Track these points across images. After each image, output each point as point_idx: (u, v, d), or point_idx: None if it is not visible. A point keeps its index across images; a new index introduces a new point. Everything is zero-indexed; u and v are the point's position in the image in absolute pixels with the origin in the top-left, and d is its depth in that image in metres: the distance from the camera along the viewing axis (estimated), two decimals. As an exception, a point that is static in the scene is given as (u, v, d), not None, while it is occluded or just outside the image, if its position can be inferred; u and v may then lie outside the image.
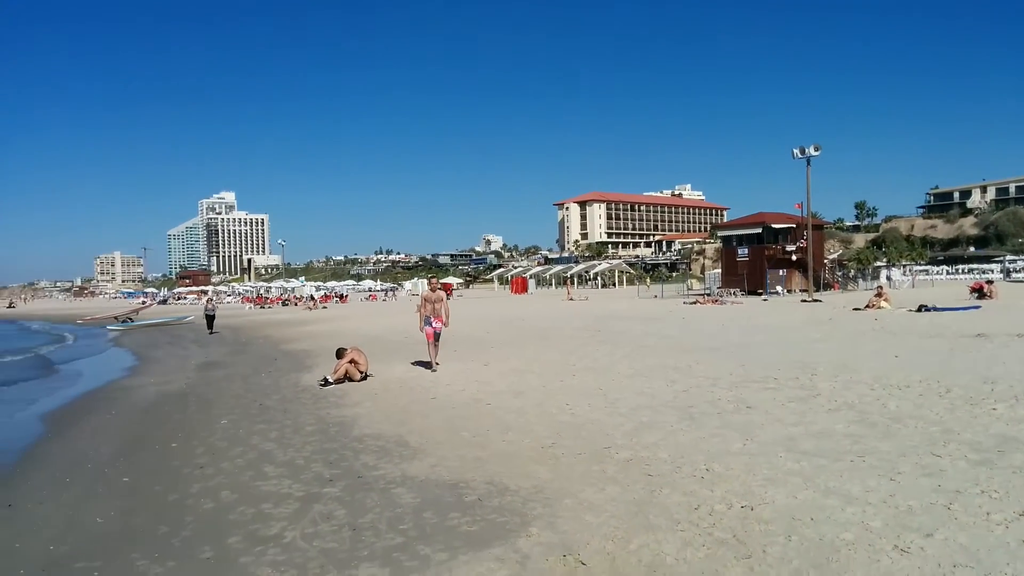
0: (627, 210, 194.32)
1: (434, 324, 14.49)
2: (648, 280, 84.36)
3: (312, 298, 69.38)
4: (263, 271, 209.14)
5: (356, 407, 11.40)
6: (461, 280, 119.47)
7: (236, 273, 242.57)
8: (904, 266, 65.71)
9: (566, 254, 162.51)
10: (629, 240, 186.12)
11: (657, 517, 5.62)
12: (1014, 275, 60.46)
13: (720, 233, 65.82)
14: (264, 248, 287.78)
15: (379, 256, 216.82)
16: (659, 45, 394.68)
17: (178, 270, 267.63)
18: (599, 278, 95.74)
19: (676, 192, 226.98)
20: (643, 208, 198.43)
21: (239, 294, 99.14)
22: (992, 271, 63.00)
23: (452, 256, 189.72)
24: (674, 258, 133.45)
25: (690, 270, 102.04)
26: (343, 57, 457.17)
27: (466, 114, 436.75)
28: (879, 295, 29.37)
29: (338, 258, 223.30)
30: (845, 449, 7.24)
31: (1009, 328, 17.94)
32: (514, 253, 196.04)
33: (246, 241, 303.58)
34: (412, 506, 6.33)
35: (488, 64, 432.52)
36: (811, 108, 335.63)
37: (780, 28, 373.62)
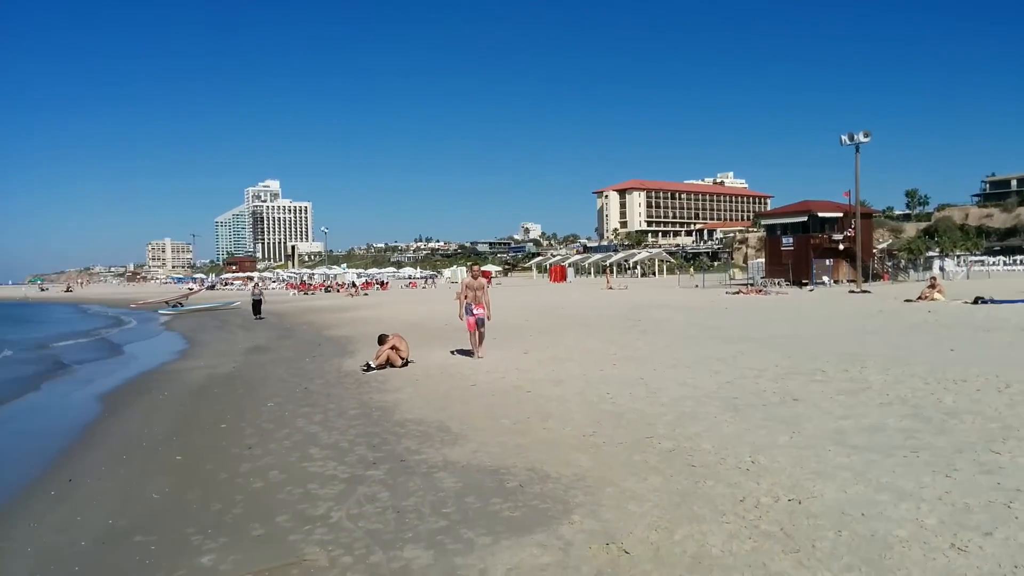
0: (667, 198, 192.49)
1: (476, 312, 14.36)
2: (692, 269, 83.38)
3: (354, 285, 70.16)
4: (306, 258, 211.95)
5: (398, 392, 11.52)
6: (499, 268, 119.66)
7: (280, 260, 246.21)
8: (958, 256, 64.06)
9: (605, 243, 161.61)
10: (669, 228, 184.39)
11: (701, 508, 5.59)
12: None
13: (764, 222, 64.85)
14: (307, 235, 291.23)
15: (419, 244, 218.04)
16: (700, 30, 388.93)
17: (225, 256, 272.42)
18: (639, 267, 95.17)
19: (718, 180, 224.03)
20: (684, 196, 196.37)
21: (283, 280, 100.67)
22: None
23: (491, 244, 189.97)
24: (715, 247, 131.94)
25: (732, 259, 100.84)
26: (384, 42, 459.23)
27: (506, 102, 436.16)
28: (932, 286, 28.65)
29: (379, 245, 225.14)
30: (898, 444, 7.10)
31: (1066, 323, 17.41)
32: (553, 241, 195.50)
33: (290, 228, 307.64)
34: (454, 490, 6.40)
35: (528, 51, 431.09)
36: (859, 92, 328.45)
37: (826, 10, 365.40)
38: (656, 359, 13.52)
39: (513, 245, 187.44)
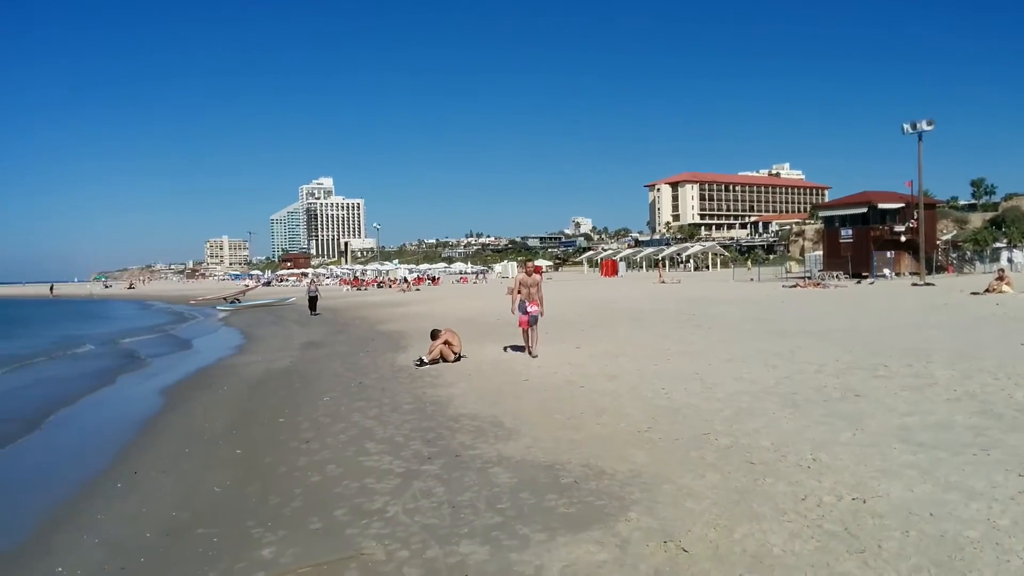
0: (721, 191, 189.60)
1: (530, 309, 14.04)
2: (750, 262, 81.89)
3: (406, 280, 70.83)
4: (359, 254, 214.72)
5: (451, 387, 11.56)
6: (550, 263, 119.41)
7: (334, 256, 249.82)
8: (1028, 248, 61.59)
9: (657, 236, 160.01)
10: (723, 221, 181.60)
11: (761, 506, 5.47)
12: None
13: (822, 213, 63.32)
14: (360, 232, 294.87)
15: (470, 239, 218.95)
16: (754, 21, 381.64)
17: (280, 253, 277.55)
18: (692, 261, 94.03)
19: (773, 171, 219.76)
20: (738, 188, 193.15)
21: (337, 276, 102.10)
22: None
23: (541, 239, 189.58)
24: (771, 240, 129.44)
25: (788, 252, 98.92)
26: (434, 39, 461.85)
27: (557, 96, 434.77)
28: (1000, 278, 27.60)
29: (430, 241, 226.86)
30: (967, 442, 6.85)
31: None
32: (604, 236, 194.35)
33: (343, 225, 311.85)
34: (509, 486, 6.38)
35: (579, 45, 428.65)
36: (922, 79, 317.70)
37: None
38: (711, 354, 13.31)
39: (564, 240, 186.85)
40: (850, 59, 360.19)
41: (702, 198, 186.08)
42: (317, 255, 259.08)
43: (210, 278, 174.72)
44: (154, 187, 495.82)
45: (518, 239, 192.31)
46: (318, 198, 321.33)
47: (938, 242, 53.16)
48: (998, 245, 60.35)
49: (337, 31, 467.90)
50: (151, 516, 6.39)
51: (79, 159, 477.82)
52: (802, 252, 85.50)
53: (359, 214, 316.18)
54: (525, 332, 14.29)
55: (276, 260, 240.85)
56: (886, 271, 44.54)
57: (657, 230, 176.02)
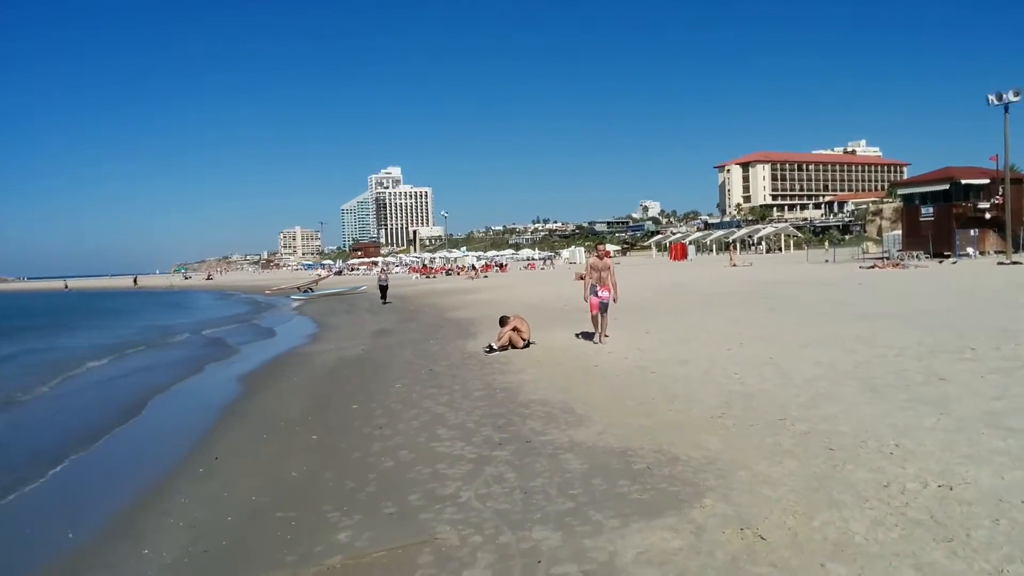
0: (794, 170, 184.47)
1: (600, 294, 13.83)
2: (827, 243, 79.48)
3: (473, 267, 71.31)
4: (427, 242, 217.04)
5: (521, 373, 11.59)
6: (618, 247, 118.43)
7: (403, 244, 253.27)
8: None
9: (727, 218, 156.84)
10: (796, 202, 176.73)
11: (842, 493, 5.31)
12: None
13: (900, 191, 60.99)
14: (428, 220, 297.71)
15: (536, 225, 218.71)
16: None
17: (351, 242, 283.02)
18: (764, 243, 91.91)
19: (848, 149, 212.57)
20: (811, 167, 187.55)
21: (406, 265, 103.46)
22: None
23: (608, 223, 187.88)
24: (847, 220, 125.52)
25: (865, 232, 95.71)
26: (501, 25, 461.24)
27: (623, 79, 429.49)
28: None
29: (497, 228, 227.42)
30: (1060, 427, 6.52)
31: None
32: (672, 219, 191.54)
33: (411, 213, 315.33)
34: (581, 472, 6.36)
35: (646, 28, 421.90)
36: (1008, 48, 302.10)
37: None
38: (786, 338, 12.99)
39: (631, 224, 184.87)
40: (930, 28, 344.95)
41: (774, 178, 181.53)
42: (386, 244, 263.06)
43: (284, 268, 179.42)
44: (230, 179, 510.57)
45: (585, 224, 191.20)
46: (387, 187, 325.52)
47: (1026, 218, 50.60)
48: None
49: (405, 20, 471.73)
50: (232, 500, 6.60)
51: (160, 153, 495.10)
52: (879, 232, 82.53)
53: (427, 202, 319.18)
54: (594, 317, 14.08)
55: (347, 249, 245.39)
56: (969, 250, 42.73)
57: (727, 212, 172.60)
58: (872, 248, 63.65)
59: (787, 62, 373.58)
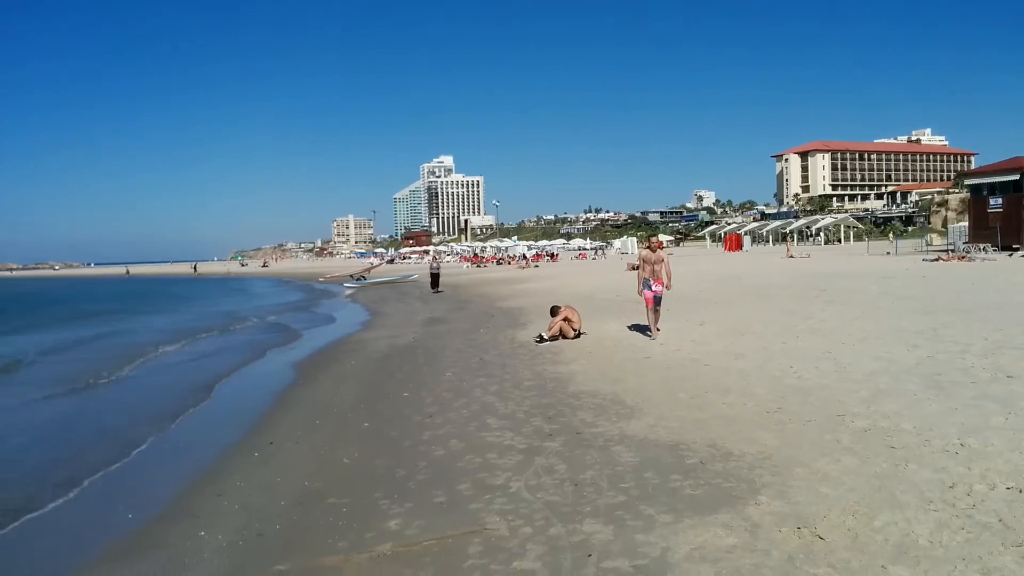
0: (854, 159, 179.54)
1: (654, 287, 13.46)
2: (891, 234, 77.18)
3: (524, 257, 71.24)
4: (478, 231, 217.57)
5: (571, 364, 11.52)
6: (671, 238, 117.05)
7: (454, 233, 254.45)
8: None
9: (785, 209, 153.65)
10: (856, 192, 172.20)
11: (904, 494, 5.14)
12: None
13: (967, 181, 58.95)
14: (479, 209, 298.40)
15: (588, 214, 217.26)
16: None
17: (402, 231, 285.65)
18: (822, 234, 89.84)
19: (913, 138, 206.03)
20: (873, 157, 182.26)
21: (457, 253, 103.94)
22: None
23: (662, 213, 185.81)
24: (910, 211, 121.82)
25: (929, 223, 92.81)
26: (551, 14, 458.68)
27: (676, 65, 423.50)
28: None
29: (548, 217, 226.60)
30: None
31: None
32: (727, 209, 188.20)
33: (463, 202, 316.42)
34: (632, 465, 6.28)
35: (702, 13, 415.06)
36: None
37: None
38: (845, 331, 12.65)
39: (685, 214, 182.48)
40: (999, 14, 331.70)
41: (833, 168, 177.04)
42: (438, 232, 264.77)
43: (337, 256, 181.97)
44: (286, 168, 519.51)
45: (638, 214, 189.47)
46: (439, 176, 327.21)
47: (1103, 210, 48.37)
48: None
49: (457, 8, 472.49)
50: (285, 485, 6.70)
51: (218, 140, 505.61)
52: (944, 223, 79.93)
53: (479, 191, 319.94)
54: (649, 310, 13.75)
55: (399, 238, 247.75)
56: (1040, 242, 41.03)
57: (785, 202, 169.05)
58: (936, 240, 61.65)
59: (847, 50, 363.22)
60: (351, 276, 55.53)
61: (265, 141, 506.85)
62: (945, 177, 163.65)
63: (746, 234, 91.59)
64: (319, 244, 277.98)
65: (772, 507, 5.12)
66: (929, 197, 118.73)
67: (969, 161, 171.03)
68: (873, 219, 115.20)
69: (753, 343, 12.05)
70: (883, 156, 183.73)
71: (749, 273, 32.85)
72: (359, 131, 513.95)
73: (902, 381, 8.57)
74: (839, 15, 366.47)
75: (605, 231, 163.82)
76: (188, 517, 6.11)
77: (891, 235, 74.64)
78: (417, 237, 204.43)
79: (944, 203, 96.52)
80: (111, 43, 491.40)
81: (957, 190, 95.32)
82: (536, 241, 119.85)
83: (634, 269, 14.39)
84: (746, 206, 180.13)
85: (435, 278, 34.32)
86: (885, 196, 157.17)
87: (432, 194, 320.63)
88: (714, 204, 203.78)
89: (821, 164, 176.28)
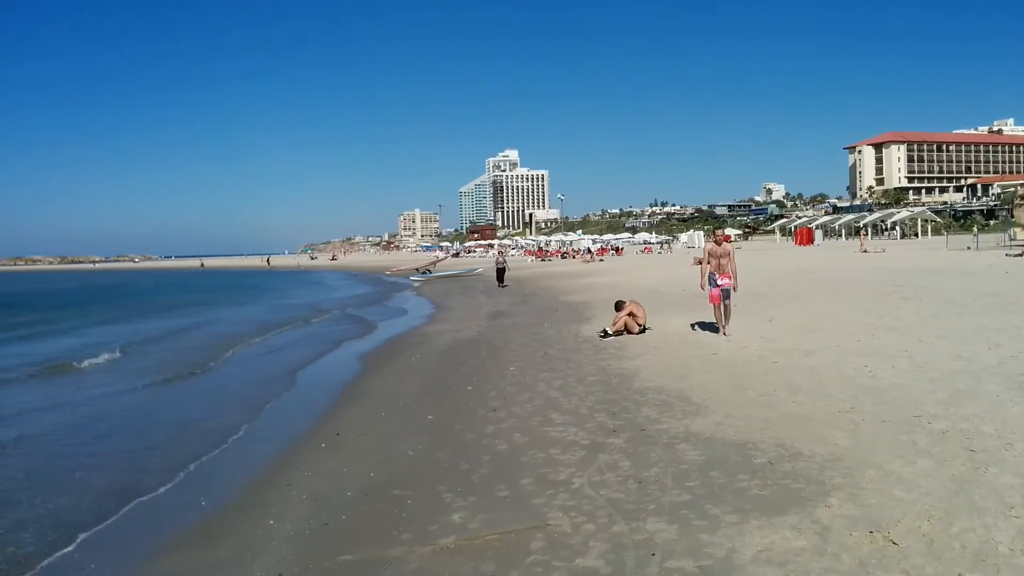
0: (932, 151, 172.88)
1: (720, 282, 13.08)
2: (975, 227, 74.09)
3: (589, 251, 70.92)
4: (543, 225, 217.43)
5: (636, 359, 11.42)
6: (739, 231, 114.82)
7: (518, 227, 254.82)
8: None
9: (858, 202, 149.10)
10: (934, 185, 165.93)
11: (984, 499, 4.93)
12: None
13: (1054, 173, 56.25)
14: (544, 203, 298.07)
15: (654, 208, 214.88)
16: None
17: (468, 225, 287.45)
18: (898, 228, 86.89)
19: (995, 128, 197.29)
20: (951, 148, 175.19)
21: (521, 247, 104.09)
22: None
23: (729, 207, 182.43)
24: (991, 204, 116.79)
25: (1012, 217, 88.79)
26: (614, 5, 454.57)
27: (745, 55, 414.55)
28: None
29: (613, 211, 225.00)
30: None
31: None
32: (798, 202, 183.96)
33: (528, 196, 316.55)
34: (697, 463, 6.19)
35: (769, 3, 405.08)
36: None
37: None
38: (922, 329, 12.20)
39: (754, 207, 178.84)
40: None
41: (910, 159, 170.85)
42: (502, 226, 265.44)
43: (403, 250, 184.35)
44: (354, 162, 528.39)
45: (704, 207, 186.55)
46: (504, 170, 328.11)
47: None
48: None
49: (524, 2, 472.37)
50: (351, 476, 6.81)
51: (288, 132, 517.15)
52: (1030, 216, 76.37)
53: (543, 185, 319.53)
54: (716, 307, 13.39)
55: (464, 232, 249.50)
56: None
57: (858, 195, 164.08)
58: (1020, 235, 58.97)
59: (923, 38, 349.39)
60: (417, 270, 56.17)
61: (334, 134, 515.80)
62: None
63: (817, 228, 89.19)
64: (386, 238, 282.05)
65: (843, 510, 4.97)
66: (1012, 190, 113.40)
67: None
68: (952, 212, 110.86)
69: (825, 340, 11.73)
70: (962, 147, 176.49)
71: (821, 268, 31.99)
72: (426, 125, 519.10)
73: (983, 381, 8.22)
74: (910, 2, 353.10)
75: (671, 225, 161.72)
76: (259, 506, 6.27)
77: (974, 229, 71.64)
78: (482, 231, 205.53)
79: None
80: (191, 31, 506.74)
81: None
82: (601, 235, 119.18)
83: (700, 263, 14.03)
84: (817, 199, 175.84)
85: (500, 273, 34.30)
86: (965, 189, 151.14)
87: (497, 188, 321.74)
88: (784, 197, 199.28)
89: (896, 156, 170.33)
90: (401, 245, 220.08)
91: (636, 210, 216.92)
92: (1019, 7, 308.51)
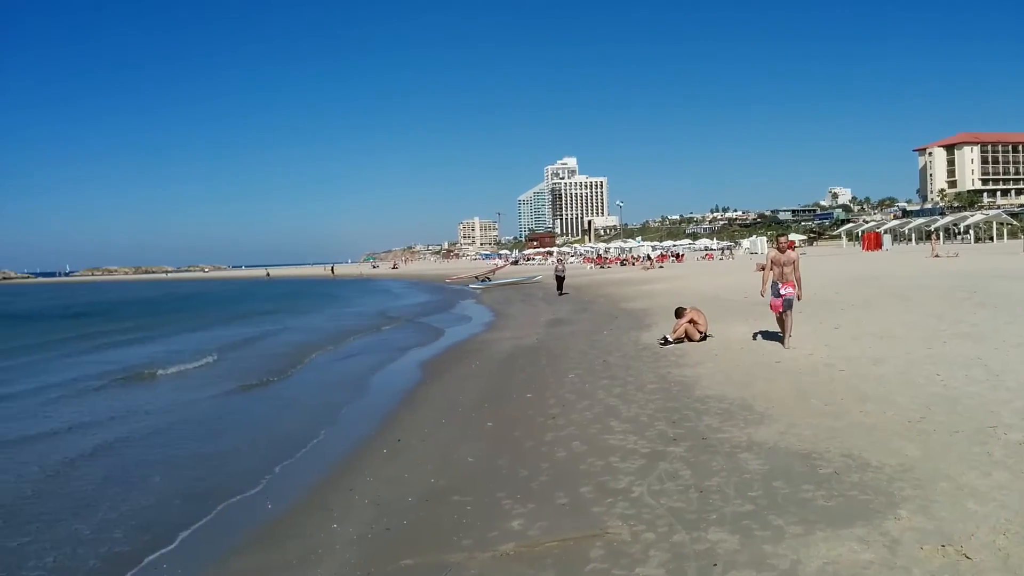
0: (1007, 152, 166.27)
1: (783, 291, 12.56)
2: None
3: (648, 258, 70.26)
4: (602, 232, 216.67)
5: (697, 367, 11.28)
6: (804, 237, 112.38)
7: (577, 234, 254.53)
8: None
9: (929, 205, 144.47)
10: (1010, 187, 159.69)
11: (1065, 514, 4.73)
12: None
13: None
14: (603, 210, 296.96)
15: (715, 214, 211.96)
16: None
17: (526, 233, 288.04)
18: (971, 231, 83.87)
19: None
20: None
21: (580, 255, 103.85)
22: None
23: (793, 212, 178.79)
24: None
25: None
26: (666, 5, 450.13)
27: (808, 57, 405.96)
28: None
29: (673, 217, 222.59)
30: None
31: None
32: (865, 206, 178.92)
33: (586, 204, 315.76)
34: (760, 473, 6.08)
35: (834, 4, 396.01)
36: None
37: None
38: (998, 337, 11.73)
39: (819, 212, 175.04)
40: None
41: (983, 161, 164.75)
42: (561, 234, 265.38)
43: (463, 258, 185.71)
44: (413, 171, 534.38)
45: (767, 212, 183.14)
46: (562, 178, 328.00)
47: None
48: None
49: (579, 10, 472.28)
50: (412, 481, 6.90)
51: (350, 142, 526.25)
52: (1115, 218, 72.80)
53: (602, 192, 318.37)
54: (779, 317, 12.89)
55: (522, 239, 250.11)
56: None
57: (929, 198, 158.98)
58: (1105, 237, 56.28)
59: (995, 36, 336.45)
60: (476, 277, 56.56)
61: (393, 143, 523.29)
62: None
63: (886, 232, 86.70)
64: (446, 246, 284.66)
65: (913, 522, 4.83)
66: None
67: None
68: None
69: (894, 348, 11.39)
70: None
71: (890, 274, 31.07)
72: (485, 133, 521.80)
73: (1064, 391, 7.88)
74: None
75: (733, 231, 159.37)
76: (322, 509, 6.41)
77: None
78: (541, 238, 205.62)
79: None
80: (253, 42, 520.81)
81: None
82: (660, 241, 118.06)
83: (762, 270, 13.66)
84: (885, 203, 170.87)
85: (559, 280, 34.13)
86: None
87: (556, 196, 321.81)
88: (850, 201, 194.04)
89: (969, 157, 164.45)
90: (460, 253, 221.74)
91: (697, 216, 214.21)
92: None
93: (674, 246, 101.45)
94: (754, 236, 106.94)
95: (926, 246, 62.55)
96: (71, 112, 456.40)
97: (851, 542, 4.62)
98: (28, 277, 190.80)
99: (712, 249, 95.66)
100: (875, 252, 69.26)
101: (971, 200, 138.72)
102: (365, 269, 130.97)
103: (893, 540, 4.60)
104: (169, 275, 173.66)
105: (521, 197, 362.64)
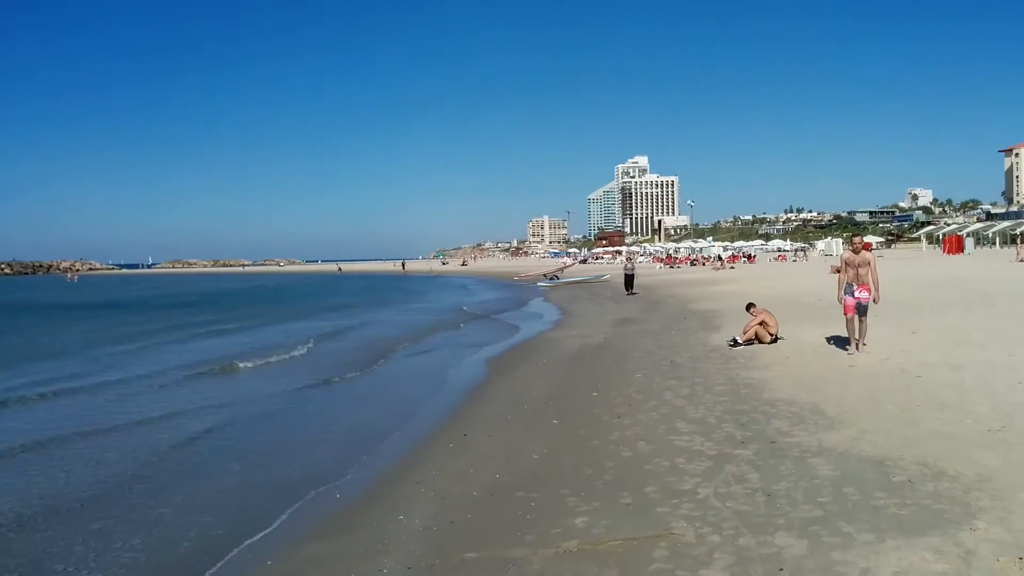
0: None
1: (857, 294, 12.10)
2: None
3: (719, 258, 69.07)
4: (672, 231, 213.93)
5: (766, 370, 11.09)
6: (881, 239, 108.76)
7: (647, 234, 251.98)
8: None
9: (1015, 208, 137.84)
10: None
11: None
12: None
13: None
14: (673, 209, 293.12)
15: (789, 215, 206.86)
16: None
17: (596, 231, 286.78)
18: (1064, 235, 79.82)
19: None
20: None
21: (650, 254, 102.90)
22: None
23: (871, 213, 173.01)
24: None
25: None
26: (748, 10, 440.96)
27: (888, 55, 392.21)
28: None
29: (746, 218, 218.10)
30: None
31: None
32: (946, 208, 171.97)
33: (657, 203, 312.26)
34: (830, 479, 5.97)
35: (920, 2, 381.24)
36: None
37: None
38: (1089, 345, 11.21)
39: (898, 214, 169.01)
40: None
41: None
42: (631, 233, 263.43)
43: (531, 256, 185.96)
44: (484, 169, 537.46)
45: (843, 214, 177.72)
46: (633, 177, 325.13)
47: None
48: None
49: (654, 8, 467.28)
50: (477, 476, 7.01)
51: (422, 142, 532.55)
52: None
53: (673, 191, 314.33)
54: (850, 321, 12.39)
55: (592, 238, 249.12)
56: None
57: (1015, 200, 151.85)
58: None
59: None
60: (544, 275, 56.64)
61: (466, 141, 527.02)
62: None
63: (968, 235, 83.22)
64: (515, 244, 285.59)
65: (990, 534, 4.68)
66: None
67: None
68: None
69: (975, 355, 10.98)
70: None
71: (972, 278, 29.86)
72: (556, 132, 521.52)
73: None
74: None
75: (807, 232, 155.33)
76: (389, 501, 6.57)
77: None
78: (610, 237, 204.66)
79: None
80: (333, 45, 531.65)
81: None
82: (732, 242, 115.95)
83: (837, 272, 13.27)
84: (968, 205, 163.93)
85: (629, 279, 33.81)
86: None
87: (626, 195, 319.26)
88: (931, 203, 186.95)
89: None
90: (529, 251, 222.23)
91: (770, 216, 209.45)
92: None
93: (746, 247, 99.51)
94: (829, 238, 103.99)
95: (1011, 250, 59.74)
96: (150, 113, 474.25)
97: (924, 552, 4.51)
98: (112, 268, 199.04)
99: (785, 250, 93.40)
100: (956, 256, 66.55)
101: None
102: (435, 265, 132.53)
103: (968, 551, 4.47)
104: (246, 268, 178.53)
105: (591, 196, 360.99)
